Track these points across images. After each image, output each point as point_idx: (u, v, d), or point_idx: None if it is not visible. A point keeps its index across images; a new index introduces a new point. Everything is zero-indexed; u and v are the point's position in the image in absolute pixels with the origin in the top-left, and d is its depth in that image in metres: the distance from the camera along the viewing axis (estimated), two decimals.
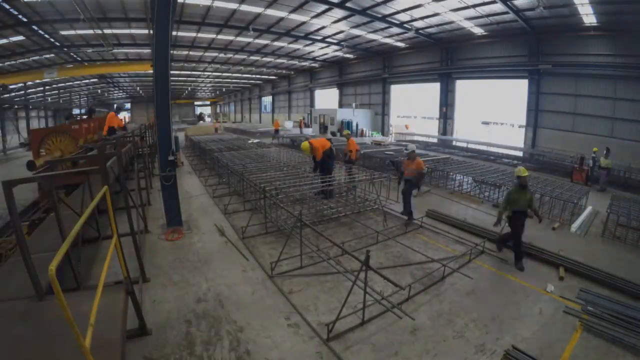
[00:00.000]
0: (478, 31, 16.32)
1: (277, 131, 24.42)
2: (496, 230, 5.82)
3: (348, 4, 14.08)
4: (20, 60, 19.11)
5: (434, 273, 4.83)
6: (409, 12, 14.69)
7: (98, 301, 2.05)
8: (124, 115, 45.81)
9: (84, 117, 13.61)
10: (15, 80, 17.51)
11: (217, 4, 14.14)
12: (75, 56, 20.65)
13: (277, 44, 21.78)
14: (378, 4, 14.10)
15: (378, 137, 23.52)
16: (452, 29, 16.61)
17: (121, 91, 45.84)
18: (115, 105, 16.52)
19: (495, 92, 17.84)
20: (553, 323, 3.82)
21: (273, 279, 4.72)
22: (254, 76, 38.53)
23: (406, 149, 7.43)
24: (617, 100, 12.57)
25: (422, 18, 15.45)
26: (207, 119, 59.97)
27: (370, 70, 25.47)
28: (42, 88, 27.49)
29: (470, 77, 19.10)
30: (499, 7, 12.76)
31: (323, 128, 27.01)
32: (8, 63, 18.83)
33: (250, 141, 18.46)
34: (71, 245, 1.92)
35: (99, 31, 14.04)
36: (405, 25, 16.34)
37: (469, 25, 15.69)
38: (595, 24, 12.40)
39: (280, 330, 3.66)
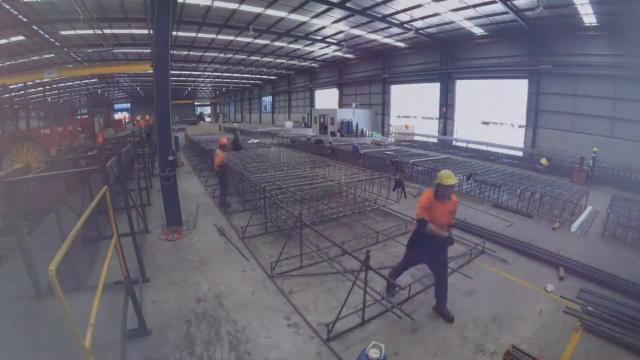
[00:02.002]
0: (478, 31, 16.32)
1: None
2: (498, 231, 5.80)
3: (348, 4, 14.08)
4: (20, 60, 19.10)
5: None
6: (409, 12, 14.70)
7: (98, 301, 2.05)
8: (124, 115, 45.82)
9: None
10: (15, 81, 17.44)
11: (217, 4, 14.14)
12: (75, 56, 20.63)
13: (277, 44, 21.77)
14: (378, 4, 14.10)
15: (378, 137, 23.54)
16: (452, 29, 16.61)
17: (121, 91, 45.83)
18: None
19: (495, 92, 17.84)
20: (553, 323, 3.82)
21: (273, 279, 4.72)
22: (254, 76, 38.52)
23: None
24: (617, 100, 12.57)
25: (422, 18, 15.44)
26: (207, 119, 60.02)
27: (370, 70, 25.47)
28: (42, 88, 27.44)
29: (470, 77, 19.10)
30: (499, 7, 12.75)
31: (323, 128, 27.01)
32: (8, 63, 18.82)
33: (250, 141, 18.46)
34: (71, 245, 1.92)
35: (99, 31, 14.04)
36: (405, 25, 16.34)
37: (468, 25, 15.68)
38: (595, 24, 12.39)
39: (280, 330, 3.66)
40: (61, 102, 29.62)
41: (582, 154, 12.69)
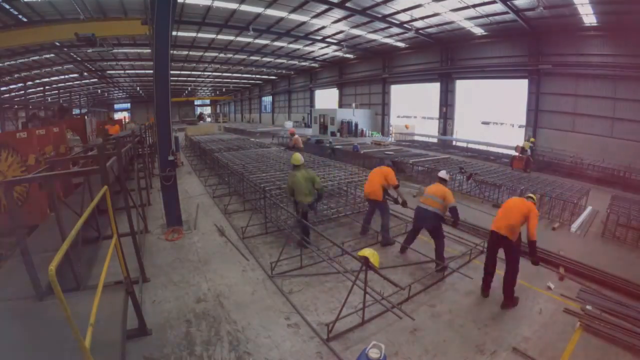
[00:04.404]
0: (478, 31, 16.32)
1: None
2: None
3: (348, 4, 14.08)
4: (21, 60, 19.11)
5: (434, 273, 4.83)
6: (409, 12, 14.69)
7: (98, 301, 2.05)
8: (124, 116, 45.79)
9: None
10: None
11: (217, 4, 14.15)
12: (75, 56, 20.65)
13: (277, 44, 21.78)
14: (378, 4, 14.10)
15: (378, 137, 23.53)
16: (452, 29, 16.60)
17: (121, 91, 45.84)
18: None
19: (495, 92, 17.84)
20: (553, 323, 3.82)
21: (273, 279, 4.72)
22: (254, 76, 38.53)
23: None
24: (617, 100, 12.56)
25: (422, 18, 15.44)
26: (208, 119, 60.03)
27: (370, 70, 25.47)
28: (41, 88, 27.47)
29: (470, 77, 19.09)
30: (499, 7, 12.75)
31: (323, 128, 27.00)
32: (8, 63, 18.83)
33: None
34: (71, 245, 1.92)
35: None
36: (405, 25, 16.34)
37: (469, 25, 15.68)
38: (595, 24, 12.40)
39: (280, 330, 3.66)
40: (61, 101, 29.62)
41: (581, 153, 12.75)
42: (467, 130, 19.48)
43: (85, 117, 19.14)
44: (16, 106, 26.22)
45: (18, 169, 5.59)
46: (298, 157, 5.51)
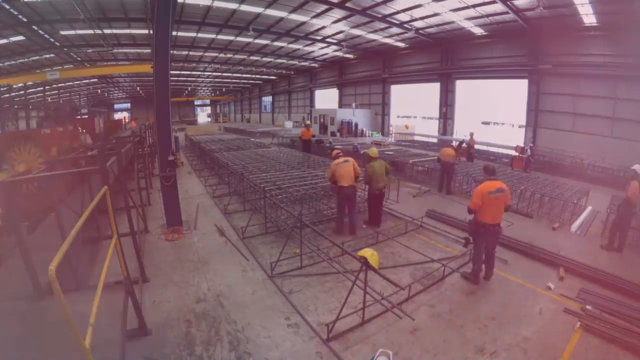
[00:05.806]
0: (478, 31, 16.32)
1: None
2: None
3: (348, 4, 14.07)
4: (21, 60, 19.11)
5: (434, 273, 4.83)
6: (408, 12, 14.69)
7: (98, 301, 2.05)
8: (124, 116, 45.78)
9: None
10: (17, 81, 17.43)
11: (217, 4, 14.14)
12: (75, 56, 20.64)
13: (277, 44, 21.77)
14: (378, 4, 14.09)
15: (378, 137, 23.52)
16: (452, 29, 16.60)
17: (121, 91, 45.84)
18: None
19: (495, 92, 17.83)
20: (553, 323, 3.82)
21: (273, 279, 4.72)
22: (254, 76, 38.52)
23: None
24: (617, 100, 12.56)
25: (422, 18, 15.44)
26: (208, 119, 60.24)
27: (370, 70, 25.46)
28: (42, 88, 27.47)
29: (470, 77, 19.08)
30: (499, 7, 12.75)
31: (323, 128, 26.99)
32: (8, 63, 18.84)
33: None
34: (71, 245, 1.92)
35: (99, 31, 14.04)
36: (405, 25, 16.34)
37: (468, 25, 15.68)
38: (595, 24, 12.39)
39: (280, 330, 3.66)
40: (61, 101, 29.60)
41: (581, 153, 12.74)
42: (467, 130, 19.44)
43: (95, 118, 19.61)
44: (16, 106, 26.20)
45: (37, 160, 6.12)
46: (375, 150, 6.56)
